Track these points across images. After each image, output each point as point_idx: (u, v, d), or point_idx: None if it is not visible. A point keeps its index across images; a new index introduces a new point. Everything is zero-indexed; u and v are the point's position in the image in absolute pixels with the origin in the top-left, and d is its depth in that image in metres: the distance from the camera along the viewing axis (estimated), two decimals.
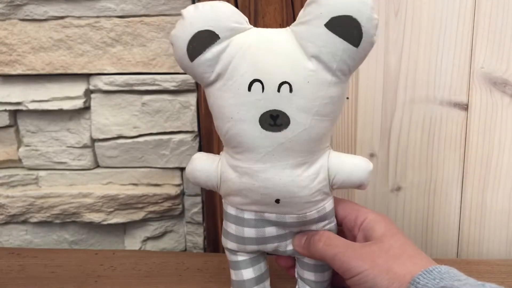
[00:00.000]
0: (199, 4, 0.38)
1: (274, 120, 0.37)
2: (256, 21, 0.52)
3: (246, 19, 0.40)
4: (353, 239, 0.42)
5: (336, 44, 0.36)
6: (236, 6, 0.52)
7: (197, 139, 0.60)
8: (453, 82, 0.56)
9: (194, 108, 0.58)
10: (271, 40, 0.38)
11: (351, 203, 0.44)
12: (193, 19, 0.38)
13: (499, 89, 0.56)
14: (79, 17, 0.56)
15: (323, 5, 0.36)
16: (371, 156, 0.59)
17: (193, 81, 0.57)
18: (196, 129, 0.59)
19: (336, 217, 0.43)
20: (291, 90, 0.37)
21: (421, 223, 0.61)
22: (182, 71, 0.56)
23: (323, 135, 0.39)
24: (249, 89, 0.37)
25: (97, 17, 0.56)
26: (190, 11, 0.38)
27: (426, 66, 0.56)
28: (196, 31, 0.37)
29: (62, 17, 0.56)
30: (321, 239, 0.41)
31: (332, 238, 0.41)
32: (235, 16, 0.39)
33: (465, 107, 0.57)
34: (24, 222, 0.63)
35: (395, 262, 0.37)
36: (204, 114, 0.56)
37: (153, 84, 0.57)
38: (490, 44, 0.55)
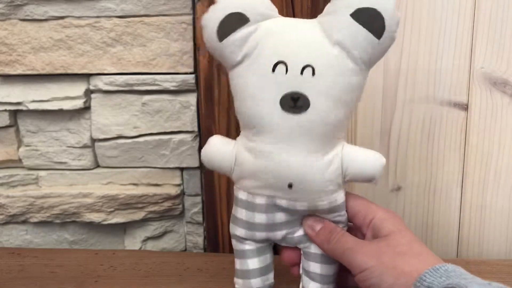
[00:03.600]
0: None
1: (294, 102, 0.38)
2: None
3: (276, 9, 0.41)
4: (363, 237, 0.42)
5: (360, 32, 0.37)
6: None
7: (197, 139, 0.60)
8: (453, 82, 0.56)
9: (194, 108, 0.58)
10: (297, 26, 0.40)
11: (361, 200, 0.44)
12: (227, 3, 0.40)
13: (499, 89, 0.56)
14: (79, 17, 0.56)
15: None
16: None
17: (193, 81, 0.57)
18: (196, 129, 0.59)
19: (347, 213, 0.43)
20: (313, 73, 0.38)
21: (421, 223, 0.61)
22: (182, 71, 0.57)
23: (339, 123, 0.40)
24: (273, 70, 0.38)
25: (97, 17, 0.56)
26: None
27: (426, 66, 0.56)
28: (228, 12, 0.39)
29: (62, 17, 0.56)
30: (335, 237, 0.41)
31: (344, 235, 0.41)
32: (267, 3, 0.41)
33: (465, 107, 0.57)
34: (24, 222, 0.63)
35: (401, 259, 0.37)
36: (204, 114, 0.56)
37: (153, 84, 0.57)
38: (490, 44, 0.55)
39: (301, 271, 0.46)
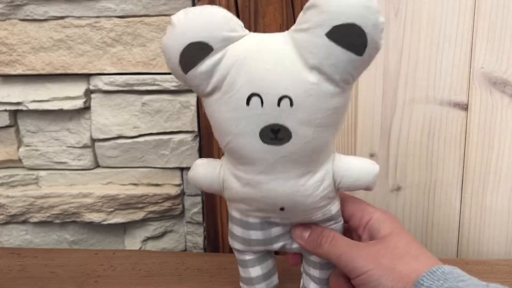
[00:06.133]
0: (189, 11, 0.36)
1: (275, 134, 0.36)
2: (256, 21, 0.52)
3: (241, 24, 0.37)
4: (359, 238, 0.42)
5: (339, 55, 0.34)
6: (236, 6, 0.52)
7: (197, 139, 0.60)
8: (453, 82, 0.56)
9: (194, 108, 0.58)
10: (269, 50, 0.36)
11: (358, 202, 0.43)
12: (184, 29, 0.35)
13: (499, 89, 0.56)
14: (79, 17, 0.56)
15: (324, 12, 0.33)
16: (371, 156, 0.59)
17: None
18: (196, 129, 0.59)
19: (342, 215, 0.43)
20: (291, 104, 0.35)
21: (421, 223, 0.60)
22: None
23: (327, 144, 0.38)
24: (248, 103, 0.35)
25: (97, 17, 0.56)
26: (180, 18, 0.36)
27: (426, 66, 0.56)
28: (187, 42, 0.35)
29: (62, 17, 0.56)
30: (327, 241, 0.41)
31: (337, 238, 0.41)
32: (229, 24, 0.36)
33: (465, 107, 0.57)
34: (24, 222, 0.63)
35: (400, 261, 0.37)
36: (204, 114, 0.55)
37: (153, 84, 0.57)
38: (490, 44, 0.55)
39: (302, 270, 0.46)
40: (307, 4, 0.35)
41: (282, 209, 0.39)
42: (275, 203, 0.39)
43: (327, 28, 0.33)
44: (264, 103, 0.35)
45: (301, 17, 0.35)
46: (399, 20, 0.55)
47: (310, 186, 0.38)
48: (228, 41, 0.36)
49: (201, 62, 0.36)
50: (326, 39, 0.33)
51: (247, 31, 0.37)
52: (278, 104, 0.35)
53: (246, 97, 0.35)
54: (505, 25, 0.54)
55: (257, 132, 0.36)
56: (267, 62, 0.35)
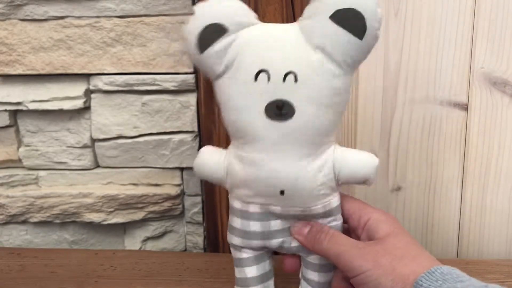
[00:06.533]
0: (211, 0, 0.40)
1: (279, 110, 0.38)
2: None
3: (255, 15, 0.41)
4: (357, 239, 0.42)
5: (341, 35, 0.37)
6: None
7: (197, 139, 0.60)
8: (453, 82, 0.56)
9: (194, 108, 0.58)
10: (277, 33, 0.40)
11: (356, 202, 0.43)
12: (204, 14, 0.39)
13: (499, 89, 0.56)
14: (79, 17, 0.56)
15: (328, 0, 0.37)
16: None
17: (193, 81, 0.57)
18: (196, 129, 0.59)
19: (341, 215, 0.43)
20: (296, 80, 0.38)
21: (421, 223, 0.61)
22: (182, 71, 0.57)
23: (328, 127, 0.40)
24: (256, 79, 0.38)
25: (97, 17, 0.56)
26: (201, 7, 0.40)
27: (426, 66, 0.56)
28: (206, 24, 0.39)
29: (62, 17, 0.56)
30: (326, 237, 0.41)
31: (337, 236, 0.41)
32: (244, 11, 0.40)
33: (465, 107, 0.57)
34: (24, 222, 0.63)
35: (399, 262, 0.37)
36: (204, 114, 0.56)
37: (153, 84, 0.57)
38: (490, 44, 0.55)
39: (300, 275, 0.46)
40: None
41: (282, 192, 0.40)
42: (276, 184, 0.40)
43: (330, 12, 0.37)
44: (270, 79, 0.38)
45: (306, 9, 0.39)
46: (399, 20, 0.55)
47: (311, 170, 0.40)
48: (241, 25, 0.39)
49: (216, 42, 0.39)
50: (329, 21, 0.37)
51: (259, 21, 0.41)
52: (284, 80, 0.38)
53: (255, 73, 0.38)
54: (505, 25, 0.54)
55: (262, 108, 0.39)
56: (274, 42, 0.39)
